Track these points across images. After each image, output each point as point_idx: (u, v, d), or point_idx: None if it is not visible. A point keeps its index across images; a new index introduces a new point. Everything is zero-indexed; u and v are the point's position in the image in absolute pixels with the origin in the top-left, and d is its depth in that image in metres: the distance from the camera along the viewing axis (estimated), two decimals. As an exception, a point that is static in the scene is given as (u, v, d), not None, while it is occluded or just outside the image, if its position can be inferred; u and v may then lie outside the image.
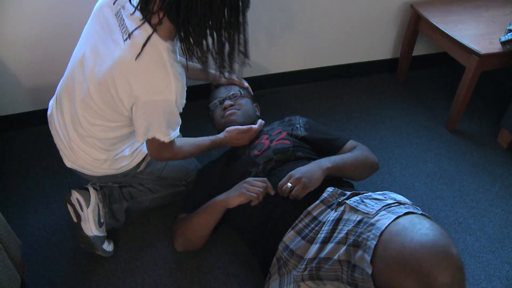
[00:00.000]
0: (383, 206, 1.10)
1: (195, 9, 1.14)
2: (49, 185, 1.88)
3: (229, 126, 1.67)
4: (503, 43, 1.83)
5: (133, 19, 1.24)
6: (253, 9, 2.08)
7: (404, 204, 1.12)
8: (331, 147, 1.61)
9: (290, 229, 1.28)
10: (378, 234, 1.00)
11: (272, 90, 2.44)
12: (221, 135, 1.66)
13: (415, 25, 2.27)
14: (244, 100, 1.77)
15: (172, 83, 1.23)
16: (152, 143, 1.38)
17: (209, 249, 1.63)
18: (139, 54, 1.20)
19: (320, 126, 1.72)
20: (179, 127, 1.40)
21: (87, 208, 1.54)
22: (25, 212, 1.78)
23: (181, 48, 1.27)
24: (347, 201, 1.20)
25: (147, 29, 1.21)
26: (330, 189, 1.31)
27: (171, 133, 1.36)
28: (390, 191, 1.43)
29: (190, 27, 1.19)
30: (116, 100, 1.29)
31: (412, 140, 2.11)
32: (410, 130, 2.17)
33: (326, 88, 2.46)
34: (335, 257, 1.09)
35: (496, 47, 1.86)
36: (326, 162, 1.42)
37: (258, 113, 1.84)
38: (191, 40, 1.22)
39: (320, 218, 1.25)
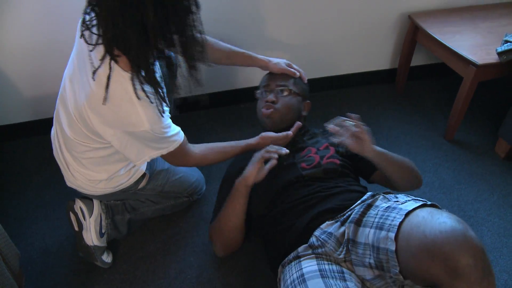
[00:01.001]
0: (412, 199, 1.17)
1: (131, 39, 1.06)
2: (49, 195, 1.88)
3: (263, 123, 1.66)
4: (500, 54, 1.84)
5: (97, 50, 1.18)
6: (250, 21, 2.12)
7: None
8: (368, 165, 1.52)
9: (328, 220, 1.30)
10: (404, 214, 1.06)
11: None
12: (254, 141, 1.61)
13: (413, 35, 2.29)
14: (291, 99, 1.64)
15: (140, 114, 1.19)
16: (164, 157, 1.39)
17: (208, 259, 1.64)
18: (105, 98, 1.16)
19: None
20: (178, 131, 1.37)
21: (90, 217, 1.55)
22: (24, 222, 1.78)
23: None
24: (382, 194, 1.27)
25: (108, 63, 1.15)
26: (369, 193, 1.35)
27: (167, 146, 1.34)
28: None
29: (132, 56, 1.12)
30: (95, 131, 1.27)
31: (411, 150, 2.12)
32: (409, 140, 2.18)
33: (325, 99, 2.47)
34: (363, 240, 1.14)
35: (493, 58, 1.87)
36: (376, 147, 1.40)
37: (304, 113, 1.72)
38: (144, 65, 1.15)
39: (356, 208, 1.29)
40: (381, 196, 1.26)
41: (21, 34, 1.87)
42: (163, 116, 1.26)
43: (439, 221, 0.98)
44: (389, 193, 1.30)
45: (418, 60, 2.52)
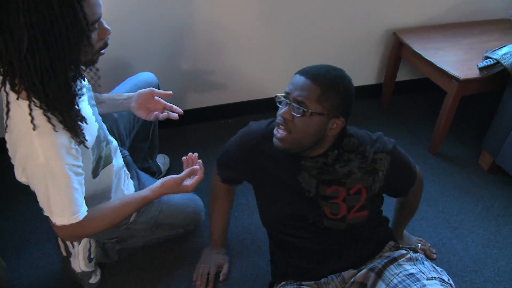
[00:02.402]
0: (439, 278, 1.15)
1: (11, 61, 0.94)
2: (37, 209, 1.85)
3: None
4: (481, 69, 1.90)
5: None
6: (238, 38, 2.15)
7: None
8: (402, 191, 1.41)
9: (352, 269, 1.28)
10: None
11: (259, 116, 2.47)
12: (157, 187, 1.32)
13: (397, 51, 2.34)
14: (307, 121, 1.17)
15: (35, 145, 1.02)
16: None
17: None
18: (6, 126, 1.06)
19: (408, 165, 1.37)
20: (78, 203, 1.12)
21: (78, 245, 1.50)
22: (11, 236, 1.77)
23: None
24: (411, 253, 1.24)
25: (10, 95, 1.04)
26: (392, 243, 1.33)
27: (64, 212, 1.11)
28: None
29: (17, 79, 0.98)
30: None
31: (397, 163, 2.15)
32: (394, 153, 2.21)
33: (312, 113, 2.50)
34: None
35: (474, 73, 1.93)
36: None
37: (333, 133, 1.22)
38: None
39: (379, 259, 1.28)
40: (408, 255, 1.23)
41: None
42: (76, 149, 1.09)
43: None
44: (414, 249, 1.28)
45: (403, 75, 2.57)
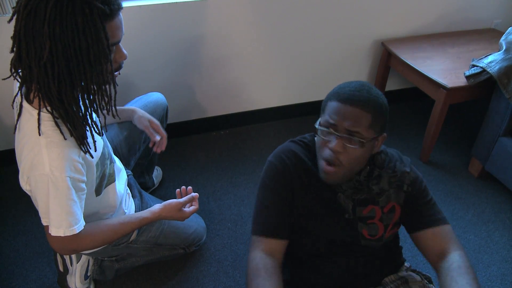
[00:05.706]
0: None
1: (32, 67, 0.98)
2: (30, 222, 1.87)
3: (321, 175, 1.18)
4: (468, 77, 1.94)
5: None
6: (234, 52, 2.18)
7: None
8: (416, 223, 1.24)
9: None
10: None
11: (249, 127, 2.50)
12: (157, 209, 1.37)
13: (386, 61, 2.38)
14: (361, 150, 1.12)
15: (42, 154, 1.04)
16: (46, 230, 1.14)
17: (188, 282, 1.64)
18: (15, 128, 1.10)
19: (425, 193, 1.27)
20: (77, 216, 1.12)
21: (77, 263, 1.50)
22: (4, 249, 1.76)
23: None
24: (424, 281, 1.23)
25: (20, 93, 1.08)
26: (407, 264, 1.30)
27: (61, 223, 1.10)
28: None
29: (34, 85, 1.02)
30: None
31: (388, 171, 2.17)
32: (386, 161, 2.23)
33: (304, 124, 2.53)
34: None
35: (462, 81, 1.97)
36: None
37: (377, 149, 1.21)
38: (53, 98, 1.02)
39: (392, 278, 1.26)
40: (421, 284, 1.20)
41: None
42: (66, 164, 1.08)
43: None
44: (429, 279, 1.25)
45: (392, 85, 2.61)
